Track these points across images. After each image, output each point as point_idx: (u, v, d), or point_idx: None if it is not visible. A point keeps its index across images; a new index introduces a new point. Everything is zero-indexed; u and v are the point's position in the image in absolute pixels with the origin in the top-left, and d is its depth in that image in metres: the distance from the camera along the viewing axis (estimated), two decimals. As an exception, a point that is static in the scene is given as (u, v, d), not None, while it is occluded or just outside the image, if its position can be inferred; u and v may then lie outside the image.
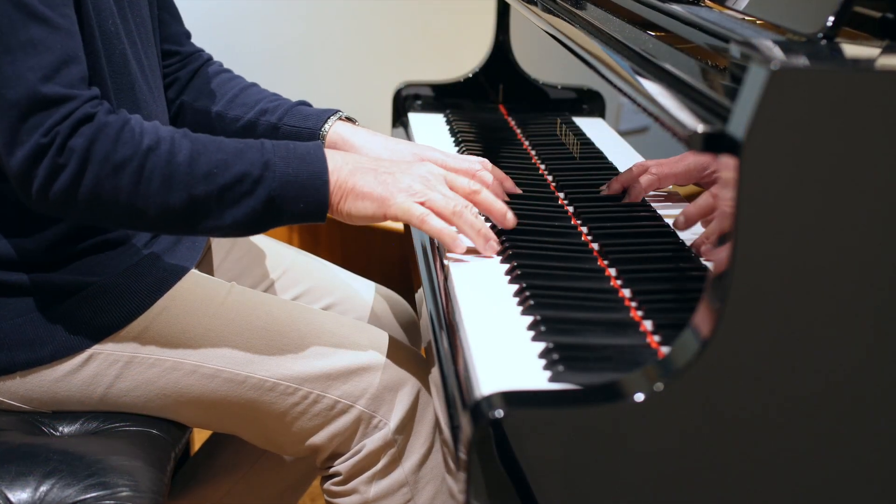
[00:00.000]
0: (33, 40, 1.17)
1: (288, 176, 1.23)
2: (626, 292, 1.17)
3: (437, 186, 1.27)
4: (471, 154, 1.63)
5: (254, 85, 1.62)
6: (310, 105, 1.57)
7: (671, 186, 1.43)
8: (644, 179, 1.41)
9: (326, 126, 1.51)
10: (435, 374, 1.13)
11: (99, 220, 1.27)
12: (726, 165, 0.88)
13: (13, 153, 1.18)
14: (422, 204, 1.25)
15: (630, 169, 1.44)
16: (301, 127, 1.52)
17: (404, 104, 2.00)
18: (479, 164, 1.39)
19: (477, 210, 1.29)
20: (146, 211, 1.21)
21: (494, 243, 1.28)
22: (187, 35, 1.64)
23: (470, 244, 1.29)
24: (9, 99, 1.16)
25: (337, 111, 1.53)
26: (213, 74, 1.61)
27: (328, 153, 1.27)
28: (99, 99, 1.22)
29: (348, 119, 1.53)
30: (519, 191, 1.44)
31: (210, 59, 1.65)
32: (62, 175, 1.18)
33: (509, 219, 1.30)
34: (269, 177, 1.22)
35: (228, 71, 1.64)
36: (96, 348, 1.32)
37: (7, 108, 1.16)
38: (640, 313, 1.12)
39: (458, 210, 1.26)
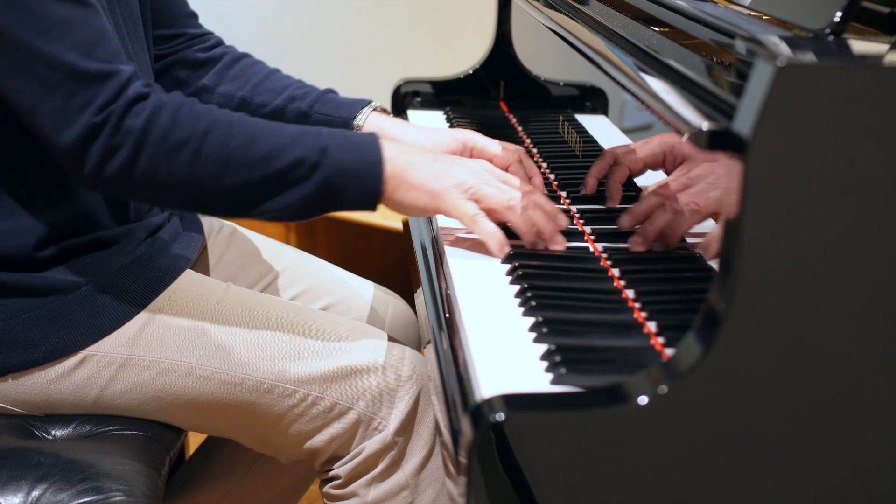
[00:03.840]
0: (66, 18, 1.16)
1: (344, 163, 1.22)
2: (630, 293, 1.16)
3: (491, 181, 1.27)
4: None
5: (277, 70, 1.60)
6: (336, 93, 1.56)
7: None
8: (617, 175, 1.40)
9: (361, 117, 1.50)
10: (435, 375, 1.12)
11: (155, 200, 1.27)
12: (731, 163, 0.87)
13: (62, 134, 1.16)
14: (476, 201, 1.25)
15: (602, 158, 1.43)
16: (334, 116, 1.51)
17: (403, 101, 1.99)
18: (517, 151, 1.41)
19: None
20: (202, 191, 1.21)
21: (558, 239, 1.27)
22: (194, 16, 1.62)
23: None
24: (52, 79, 1.15)
25: (370, 101, 1.52)
26: (234, 59, 1.60)
27: (384, 144, 1.26)
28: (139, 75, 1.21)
29: (383, 110, 1.52)
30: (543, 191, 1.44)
31: (221, 41, 1.63)
32: (116, 156, 1.17)
33: (562, 222, 1.28)
34: (326, 163, 1.22)
35: (248, 55, 1.63)
36: (90, 350, 1.30)
37: (51, 88, 1.15)
38: (643, 314, 1.11)
39: (513, 204, 1.26)
